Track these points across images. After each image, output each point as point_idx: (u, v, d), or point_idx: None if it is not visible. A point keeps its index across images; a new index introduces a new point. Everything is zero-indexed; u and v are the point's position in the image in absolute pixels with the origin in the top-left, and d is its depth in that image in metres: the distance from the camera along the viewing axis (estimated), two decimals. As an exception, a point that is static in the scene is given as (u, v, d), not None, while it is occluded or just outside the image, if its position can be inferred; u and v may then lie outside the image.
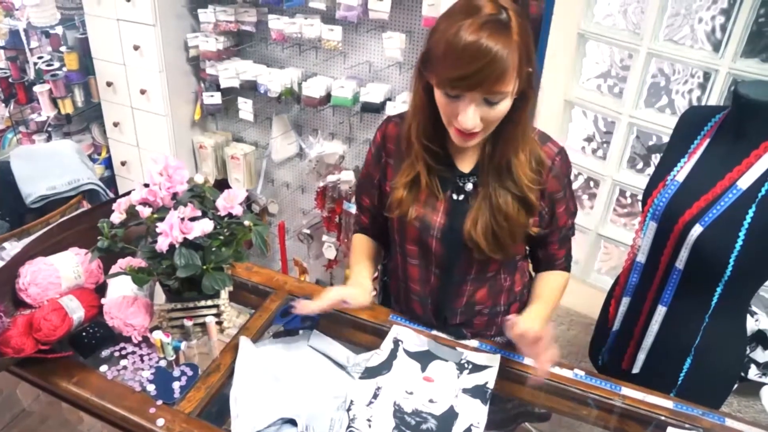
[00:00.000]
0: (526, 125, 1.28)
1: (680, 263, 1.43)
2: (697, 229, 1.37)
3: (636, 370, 1.61)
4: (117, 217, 1.39)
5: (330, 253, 2.53)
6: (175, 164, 1.38)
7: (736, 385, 1.73)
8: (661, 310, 1.50)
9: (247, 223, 1.35)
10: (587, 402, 1.43)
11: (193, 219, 1.33)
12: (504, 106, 1.18)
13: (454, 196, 1.37)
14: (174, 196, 1.38)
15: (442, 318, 1.51)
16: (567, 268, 1.56)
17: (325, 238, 2.57)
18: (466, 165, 1.37)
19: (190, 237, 1.27)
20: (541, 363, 1.31)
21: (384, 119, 1.49)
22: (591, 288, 2.40)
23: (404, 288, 1.52)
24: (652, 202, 1.49)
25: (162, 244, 1.27)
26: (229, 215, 1.37)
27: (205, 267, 1.30)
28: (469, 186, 1.36)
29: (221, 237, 1.35)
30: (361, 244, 1.59)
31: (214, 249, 1.31)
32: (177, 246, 1.27)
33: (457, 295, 1.47)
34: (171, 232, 1.26)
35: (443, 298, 1.48)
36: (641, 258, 1.54)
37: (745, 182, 1.35)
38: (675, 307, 1.48)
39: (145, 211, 1.33)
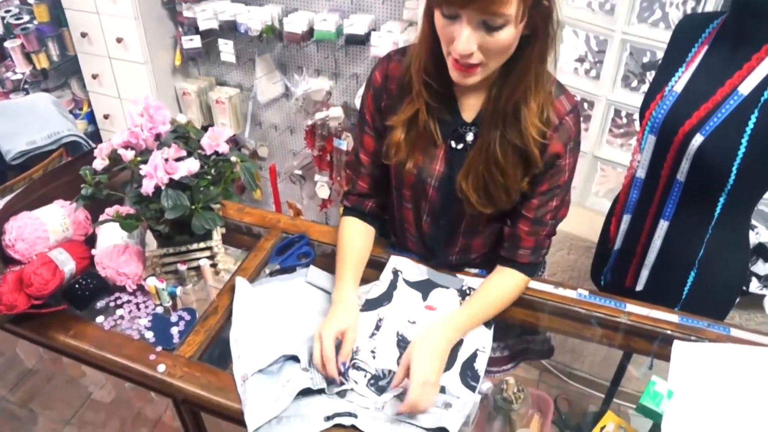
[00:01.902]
0: (539, 69, 1.14)
1: (681, 175, 1.40)
2: (697, 139, 1.33)
3: (639, 287, 1.59)
4: (99, 163, 1.34)
5: (323, 192, 2.49)
6: (155, 104, 1.32)
7: (738, 299, 1.72)
8: (663, 225, 1.47)
9: (234, 159, 1.31)
10: (592, 321, 1.42)
11: (178, 159, 1.28)
12: (506, 35, 1.06)
13: (453, 144, 1.28)
14: (157, 137, 1.33)
15: (437, 259, 1.47)
16: (530, 268, 1.37)
17: (317, 177, 2.53)
18: (469, 113, 1.26)
19: (176, 177, 1.23)
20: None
21: (384, 57, 1.34)
22: (589, 211, 2.37)
23: (400, 227, 1.48)
24: (650, 114, 1.44)
25: (147, 187, 1.22)
26: (216, 153, 1.33)
27: (193, 207, 1.26)
28: (470, 136, 1.26)
29: (209, 176, 1.31)
30: (350, 241, 1.41)
31: (201, 188, 1.27)
32: (163, 187, 1.23)
33: (450, 244, 1.43)
34: (155, 173, 1.21)
35: (437, 244, 1.44)
36: (641, 173, 1.51)
37: (746, 87, 1.30)
38: (677, 221, 1.46)
39: (128, 155, 1.28)
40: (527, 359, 1.67)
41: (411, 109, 1.24)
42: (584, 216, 2.33)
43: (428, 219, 1.39)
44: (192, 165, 1.26)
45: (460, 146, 1.27)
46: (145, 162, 1.25)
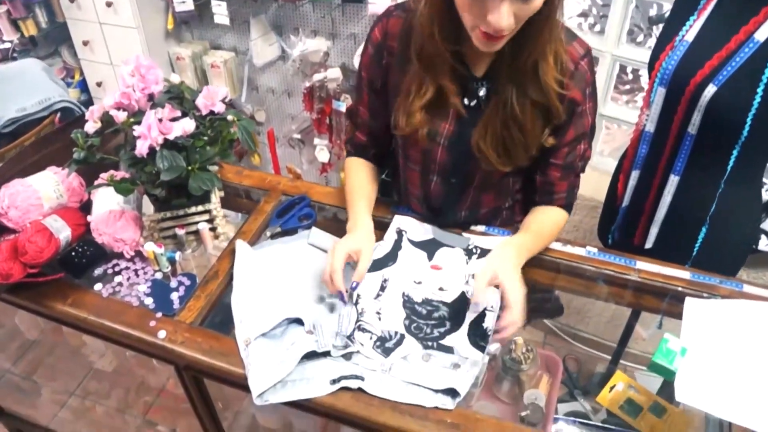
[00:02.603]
0: (555, 20, 1.08)
1: (693, 128, 1.35)
2: (710, 90, 1.28)
3: (648, 245, 1.56)
4: (91, 126, 1.29)
5: (323, 156, 2.45)
6: (147, 63, 1.27)
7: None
8: (673, 180, 1.43)
9: (230, 117, 1.26)
10: (601, 279, 1.39)
11: (173, 120, 1.23)
12: (539, 0, 1.01)
13: (466, 101, 1.22)
14: (150, 98, 1.29)
15: (444, 217, 1.43)
16: (567, 207, 1.38)
17: (316, 141, 2.48)
18: (479, 68, 1.20)
19: (171, 137, 1.18)
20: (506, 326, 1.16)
21: (383, 13, 1.29)
22: (594, 171, 2.32)
23: (404, 188, 1.44)
24: (660, 66, 1.39)
25: (141, 148, 1.18)
26: (212, 113, 1.28)
27: (190, 168, 1.21)
28: (482, 91, 1.21)
29: (205, 137, 1.26)
30: (357, 174, 1.41)
31: (198, 149, 1.23)
32: (158, 148, 1.19)
33: (459, 201, 1.39)
34: (149, 133, 1.17)
35: (446, 203, 1.40)
36: (650, 127, 1.46)
37: (763, 34, 1.25)
38: (688, 175, 1.42)
39: (120, 116, 1.24)
40: (535, 319, 1.64)
41: (432, 87, 1.19)
42: (589, 175, 2.26)
43: (437, 179, 1.35)
44: (187, 125, 1.21)
45: (473, 103, 1.23)
46: (138, 123, 1.21)
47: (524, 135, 1.19)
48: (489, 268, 1.17)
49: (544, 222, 1.35)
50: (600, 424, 1.35)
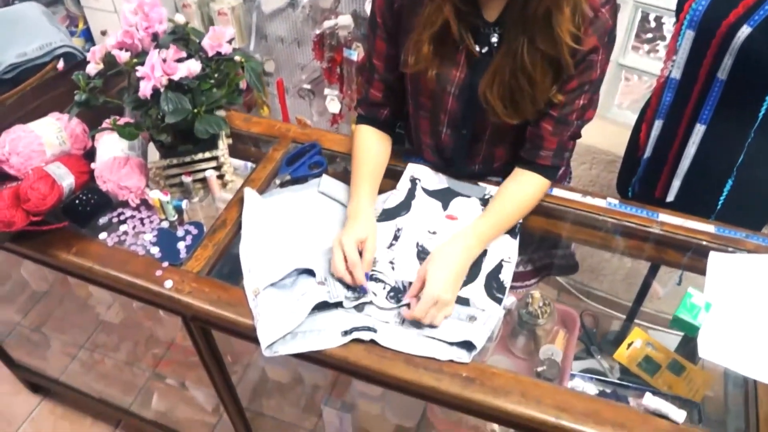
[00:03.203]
0: None
1: (722, 73, 1.29)
2: (744, 31, 1.21)
3: (670, 198, 1.51)
4: (93, 67, 1.25)
5: (334, 107, 2.38)
6: (150, 1, 1.21)
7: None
8: (699, 129, 1.37)
9: (237, 58, 1.20)
10: (621, 232, 1.34)
11: (178, 61, 1.18)
12: None
13: (477, 48, 1.15)
14: (154, 37, 1.23)
15: (456, 170, 1.38)
16: (551, 170, 1.26)
17: (327, 91, 2.41)
18: (492, 13, 1.13)
19: (176, 78, 1.13)
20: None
21: None
22: (612, 124, 2.25)
23: (416, 136, 1.38)
24: (689, 7, 1.32)
25: (145, 89, 1.13)
26: (218, 55, 1.22)
27: (196, 111, 1.16)
28: (494, 38, 1.14)
29: (211, 80, 1.21)
30: (366, 149, 1.32)
31: (204, 91, 1.17)
32: (162, 90, 1.13)
33: (471, 154, 1.33)
34: (153, 74, 1.12)
35: (457, 155, 1.34)
36: (676, 74, 1.40)
37: (803, -30, 1.17)
38: (715, 124, 1.35)
39: (123, 56, 1.18)
40: (550, 275, 1.60)
41: (438, 18, 1.11)
42: (607, 128, 2.22)
43: (448, 130, 1.29)
44: (193, 66, 1.16)
45: (484, 50, 1.16)
46: (141, 64, 1.15)
47: (533, 87, 1.12)
48: (423, 265, 1.12)
49: (515, 197, 1.25)
50: (618, 381, 1.32)
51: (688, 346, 1.31)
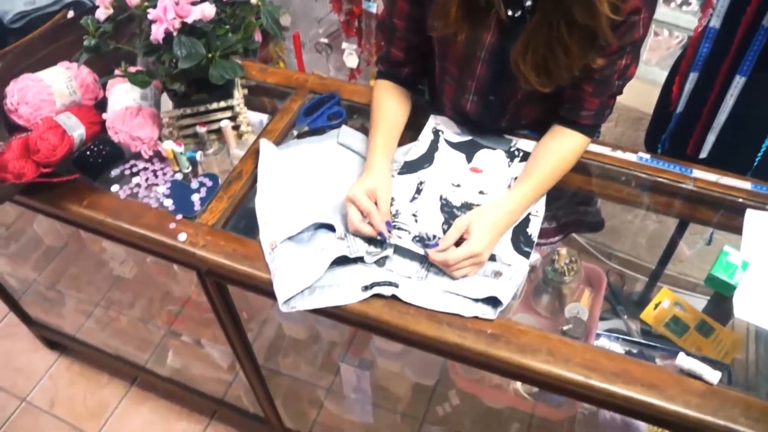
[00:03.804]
0: None
1: (768, 20, 1.21)
2: (793, -26, 1.14)
3: (703, 154, 1.44)
4: (102, 12, 1.20)
5: (351, 61, 2.31)
6: (161, -60, 1.15)
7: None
8: (738, 82, 1.30)
9: (254, 1, 1.14)
10: (652, 188, 1.29)
11: (192, 4, 1.12)
12: None
13: (510, 12, 1.07)
14: (165, -21, 1.17)
15: (480, 130, 1.32)
16: (591, 129, 1.22)
17: (344, 45, 2.34)
18: None
19: (189, 21, 1.08)
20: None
21: None
22: (638, 80, 2.15)
23: (439, 96, 1.32)
24: (734, -49, 1.24)
25: (157, 33, 1.07)
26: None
27: (210, 55, 1.11)
28: (529, 1, 1.06)
29: (227, 25, 1.15)
30: (385, 105, 1.26)
31: (219, 36, 1.12)
32: (175, 34, 1.08)
33: (498, 117, 1.27)
34: (165, 16, 1.06)
35: (483, 119, 1.28)
36: (715, 23, 1.32)
37: None
38: (757, 76, 1.28)
39: (133, -1, 1.13)
40: (575, 232, 1.55)
41: None
42: (633, 85, 2.10)
43: (474, 98, 1.23)
44: (207, 9, 1.10)
45: (518, 13, 1.08)
46: (153, 6, 1.10)
47: (568, 57, 1.04)
48: (466, 219, 1.07)
49: (555, 156, 1.19)
50: (645, 341, 1.28)
51: (717, 308, 1.27)
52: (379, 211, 1.07)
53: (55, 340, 2.21)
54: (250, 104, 1.39)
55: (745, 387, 1.20)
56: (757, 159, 1.36)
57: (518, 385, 1.37)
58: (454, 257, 1.02)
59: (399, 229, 1.10)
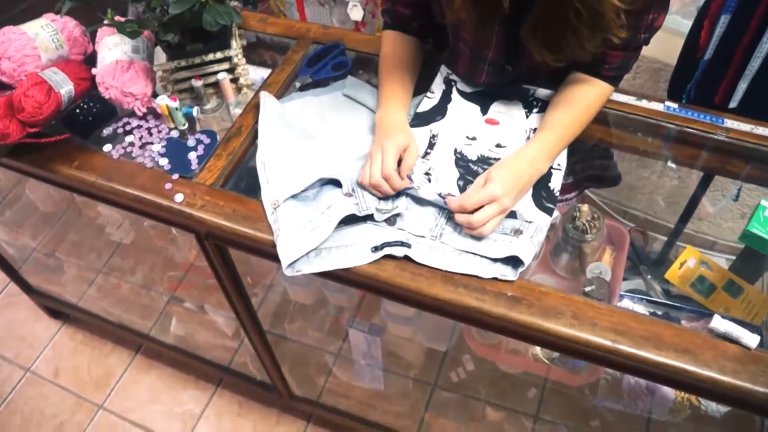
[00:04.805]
0: None
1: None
2: None
3: (733, 104, 1.36)
4: (86, -44, 1.10)
5: (356, 14, 2.21)
6: None
7: None
8: (776, 23, 1.21)
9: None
10: (679, 139, 1.20)
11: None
12: None
13: None
14: None
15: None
16: (616, 79, 1.13)
17: (349, -3, 2.25)
18: None
19: (178, -39, 0.99)
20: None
21: None
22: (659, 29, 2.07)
23: (452, 61, 1.23)
24: None
25: (144, -25, 0.99)
26: (226, -63, 1.07)
27: (203, 0, 1.02)
28: None
29: (220, -32, 1.06)
30: (394, 54, 1.18)
31: (211, -22, 1.03)
32: (163, -25, 0.99)
33: (515, 80, 1.18)
34: (152, -44, 0.97)
35: (498, 83, 1.19)
36: (749, -42, 1.22)
37: None
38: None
39: (118, -61, 1.04)
40: (591, 187, 1.47)
41: None
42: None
43: (490, 68, 1.14)
44: (197, -52, 1.01)
45: None
46: (139, -53, 1.01)
47: (579, 37, 0.95)
48: (486, 172, 0.98)
49: (580, 107, 1.09)
50: (670, 302, 1.21)
51: (744, 267, 1.20)
52: (403, 163, 1.01)
53: (58, 309, 2.16)
54: (251, 60, 1.31)
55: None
56: (792, 107, 1.27)
57: (537, 349, 1.31)
58: (471, 202, 0.94)
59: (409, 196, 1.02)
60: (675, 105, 1.20)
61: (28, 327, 2.21)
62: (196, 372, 2.03)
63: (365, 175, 1.00)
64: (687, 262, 1.18)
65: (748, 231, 1.01)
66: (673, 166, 1.37)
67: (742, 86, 1.32)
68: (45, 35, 1.25)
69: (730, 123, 1.18)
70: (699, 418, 1.26)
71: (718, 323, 0.89)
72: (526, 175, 1.00)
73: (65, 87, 1.19)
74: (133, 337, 2.02)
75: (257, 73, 1.30)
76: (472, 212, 0.95)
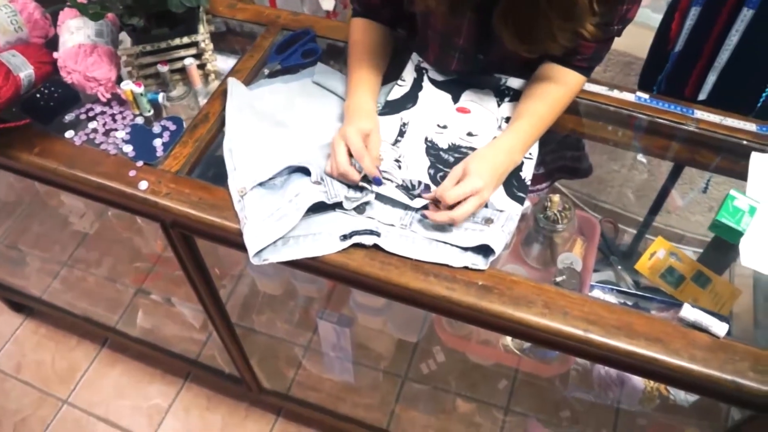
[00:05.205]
0: None
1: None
2: None
3: (703, 96, 1.37)
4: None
5: (327, 3, 2.18)
6: None
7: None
8: (746, 15, 1.21)
9: None
10: (649, 130, 1.21)
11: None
12: None
13: None
14: None
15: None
16: (587, 70, 1.12)
17: (320, -13, 2.23)
18: None
19: (142, -61, 0.96)
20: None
21: None
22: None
23: (422, 49, 1.21)
24: None
25: (105, -46, 0.96)
26: None
27: (168, -20, 1.00)
28: None
29: (186, -53, 1.03)
30: (364, 41, 1.15)
31: (176, -43, 1.00)
32: (126, -46, 0.96)
33: (486, 71, 1.17)
34: (114, -66, 0.94)
35: (469, 72, 1.18)
36: (719, -49, 1.23)
37: None
38: (766, 8, 1.19)
39: None
40: (563, 178, 1.47)
41: None
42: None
43: (461, 56, 1.13)
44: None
45: None
46: (101, -75, 0.98)
47: (550, 25, 0.93)
48: (463, 162, 0.97)
49: (553, 97, 1.08)
50: (640, 293, 1.22)
51: (712, 258, 1.21)
52: (371, 154, 0.98)
53: (21, 303, 2.10)
54: (218, 45, 1.27)
55: (745, 339, 1.15)
56: (761, 100, 1.28)
57: (508, 340, 1.30)
58: (453, 194, 0.92)
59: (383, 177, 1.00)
60: (646, 96, 1.20)
61: (-10, 321, 2.15)
62: (163, 366, 1.99)
63: (332, 167, 0.98)
64: (657, 253, 1.18)
65: (717, 221, 1.01)
66: (644, 160, 1.38)
67: (712, 78, 1.33)
68: (2, 16, 1.21)
69: (700, 114, 1.18)
70: (668, 407, 1.27)
71: (688, 312, 0.89)
72: (503, 165, 0.99)
73: (25, 71, 1.15)
74: (98, 330, 1.97)
75: (227, 63, 1.27)
76: (451, 206, 0.94)
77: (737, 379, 0.83)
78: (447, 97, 1.15)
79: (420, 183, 1.00)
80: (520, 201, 0.99)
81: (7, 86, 1.10)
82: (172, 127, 1.14)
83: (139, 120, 1.16)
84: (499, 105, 1.14)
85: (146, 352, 1.91)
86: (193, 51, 1.18)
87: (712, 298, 1.14)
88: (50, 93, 1.23)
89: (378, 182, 0.97)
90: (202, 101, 1.18)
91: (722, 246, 1.09)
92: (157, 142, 1.11)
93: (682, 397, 1.25)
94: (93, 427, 1.90)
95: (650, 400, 1.27)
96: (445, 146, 1.07)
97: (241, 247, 0.94)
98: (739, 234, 1.00)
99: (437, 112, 1.12)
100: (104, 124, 1.16)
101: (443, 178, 1.00)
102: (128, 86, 1.13)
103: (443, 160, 1.04)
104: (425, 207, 0.97)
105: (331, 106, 1.15)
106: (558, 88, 1.08)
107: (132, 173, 1.06)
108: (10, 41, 1.22)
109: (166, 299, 1.79)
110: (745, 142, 1.15)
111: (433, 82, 1.17)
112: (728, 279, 1.18)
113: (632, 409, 1.32)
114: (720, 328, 0.87)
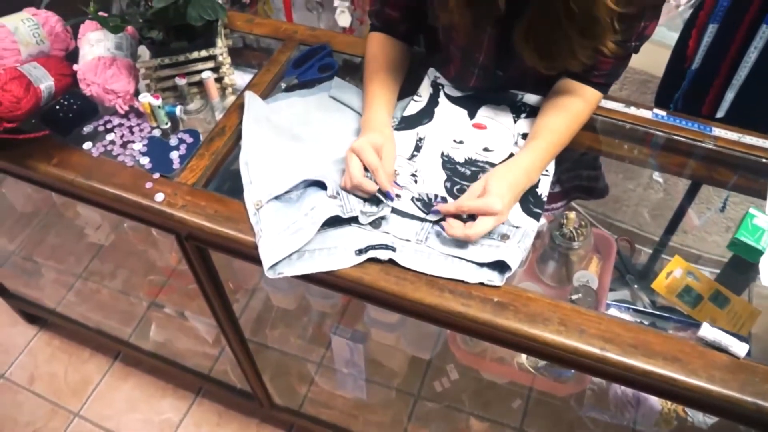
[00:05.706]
0: None
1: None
2: None
3: (720, 114, 1.35)
4: (69, -51, 1.08)
5: (344, 20, 2.20)
6: None
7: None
8: (764, 32, 1.21)
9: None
10: (667, 147, 1.20)
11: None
12: None
13: None
14: None
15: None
16: (605, 87, 1.12)
17: (337, 2, 2.22)
18: None
19: (163, -46, 0.97)
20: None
21: None
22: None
23: (443, 62, 1.21)
24: None
25: (127, -32, 0.97)
26: (213, -68, 1.06)
27: (188, -6, 1.01)
28: None
29: (205, -38, 1.05)
30: (381, 56, 1.15)
31: (196, -27, 1.02)
32: (147, -30, 0.97)
33: (505, 87, 1.18)
34: (136, -52, 0.95)
35: (488, 88, 1.18)
36: (738, -32, 1.22)
37: None
38: (785, 24, 1.19)
39: (102, -68, 1.01)
40: (578, 198, 1.46)
41: None
42: (640, 47, 2.04)
43: (480, 72, 1.13)
44: (183, -58, 1.00)
45: None
46: (123, -60, 0.99)
47: (570, 44, 0.94)
48: (482, 180, 0.96)
49: (571, 114, 1.08)
50: (657, 312, 1.20)
51: (730, 278, 1.19)
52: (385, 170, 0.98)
53: (35, 314, 2.11)
54: (236, 59, 1.28)
55: (765, 361, 1.13)
56: (780, 118, 1.27)
57: (523, 358, 1.29)
58: (468, 206, 0.92)
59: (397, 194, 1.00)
60: (663, 113, 1.20)
61: (4, 332, 2.15)
62: (175, 380, 1.99)
63: (346, 180, 0.98)
64: (674, 273, 1.16)
65: (736, 239, 1.00)
66: (660, 179, 1.36)
67: (729, 96, 1.32)
68: (25, 29, 1.23)
69: (717, 131, 1.17)
70: (686, 429, 1.24)
71: (707, 332, 0.87)
72: (521, 186, 0.98)
73: (45, 82, 1.16)
74: (111, 343, 1.97)
75: (244, 78, 1.28)
76: (465, 220, 0.93)
77: (758, 401, 0.81)
78: (463, 112, 1.15)
79: (436, 196, 1.00)
80: (537, 217, 0.99)
81: (28, 98, 1.12)
82: (189, 140, 1.14)
83: (157, 132, 1.17)
84: (515, 121, 1.13)
85: (159, 366, 1.91)
86: (210, 64, 1.19)
87: (730, 319, 1.12)
88: (69, 105, 1.24)
89: (390, 197, 0.97)
90: (219, 115, 1.19)
91: (741, 265, 1.08)
92: (174, 155, 1.12)
93: (701, 419, 1.23)
94: (104, 440, 1.90)
95: (667, 421, 1.25)
96: (462, 160, 1.06)
97: (256, 260, 0.94)
98: (759, 253, 0.99)
99: (453, 128, 1.12)
100: (122, 136, 1.18)
101: (460, 191, 0.99)
102: (146, 99, 1.14)
103: (460, 173, 1.04)
104: (441, 219, 0.96)
105: (347, 120, 1.15)
106: (576, 104, 1.08)
107: (148, 185, 1.07)
108: (32, 54, 1.23)
109: (180, 313, 1.79)
110: (764, 160, 1.14)
111: (449, 97, 1.17)
112: (747, 299, 1.16)
113: (649, 430, 1.30)
114: (740, 348, 0.86)
